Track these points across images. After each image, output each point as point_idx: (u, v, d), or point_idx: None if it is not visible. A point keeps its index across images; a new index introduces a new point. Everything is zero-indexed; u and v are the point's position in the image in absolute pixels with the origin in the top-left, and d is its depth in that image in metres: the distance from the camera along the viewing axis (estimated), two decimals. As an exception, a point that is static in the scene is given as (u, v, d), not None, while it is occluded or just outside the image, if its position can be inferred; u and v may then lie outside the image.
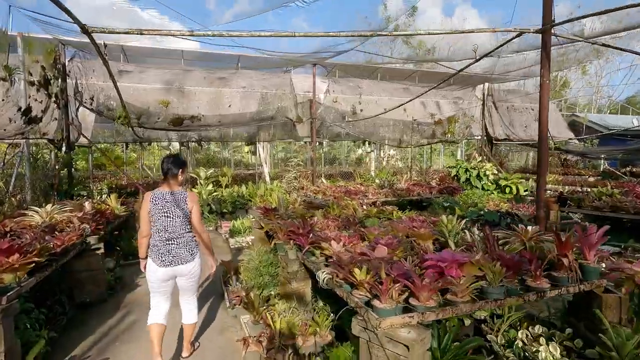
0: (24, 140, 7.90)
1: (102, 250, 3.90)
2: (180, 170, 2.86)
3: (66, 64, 7.98)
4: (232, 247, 6.24)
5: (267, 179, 11.53)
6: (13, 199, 6.97)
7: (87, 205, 5.09)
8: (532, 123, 11.21)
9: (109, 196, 5.52)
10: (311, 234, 3.20)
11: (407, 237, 3.06)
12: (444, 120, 11.93)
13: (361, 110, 11.10)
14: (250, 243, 6.27)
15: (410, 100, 8.10)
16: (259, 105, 10.75)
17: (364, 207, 5.06)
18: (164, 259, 2.71)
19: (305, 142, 11.81)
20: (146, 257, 2.82)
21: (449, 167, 11.99)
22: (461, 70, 5.78)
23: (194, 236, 2.91)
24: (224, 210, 9.13)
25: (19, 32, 6.24)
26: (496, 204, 8.47)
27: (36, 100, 6.28)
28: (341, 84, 11.49)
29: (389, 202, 7.31)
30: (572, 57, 8.94)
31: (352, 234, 3.19)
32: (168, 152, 22.65)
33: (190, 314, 2.98)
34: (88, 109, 8.40)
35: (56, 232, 3.68)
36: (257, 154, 12.90)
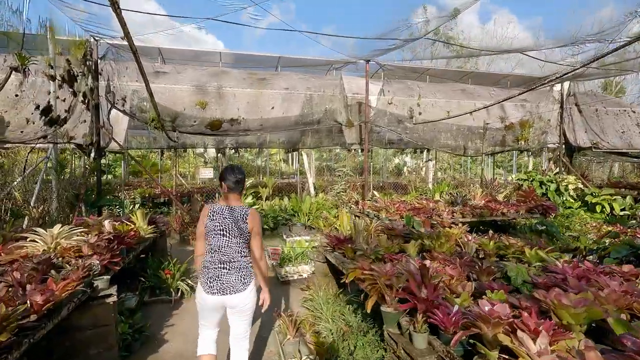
0: (52, 145, 7.18)
1: (114, 298, 2.73)
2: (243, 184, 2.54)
3: (98, 62, 7.22)
4: (281, 278, 4.97)
5: (312, 190, 10.31)
6: (34, 211, 6.13)
7: (107, 225, 4.03)
8: (632, 128, 9.26)
9: (135, 213, 4.44)
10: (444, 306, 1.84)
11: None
12: (516, 124, 10.22)
13: (420, 113, 9.67)
14: (305, 275, 4.98)
15: (496, 104, 6.58)
16: (303, 108, 9.61)
17: (470, 238, 3.62)
18: (212, 285, 2.33)
19: (351, 150, 10.48)
20: None
21: (518, 179, 10.25)
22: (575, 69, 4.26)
23: (250, 262, 2.47)
24: (265, 227, 7.96)
25: (43, 19, 5.43)
26: (596, 227, 6.73)
27: (58, 98, 5.41)
28: (395, 86, 10.14)
29: (466, 223, 5.82)
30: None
31: (527, 306, 1.79)
32: (203, 159, 22.15)
33: (244, 355, 2.48)
34: (120, 110, 7.59)
35: (51, 272, 2.56)
36: (298, 163, 11.77)
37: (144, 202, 11.39)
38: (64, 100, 5.58)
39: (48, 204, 6.56)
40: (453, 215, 6.36)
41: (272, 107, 9.07)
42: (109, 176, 18.01)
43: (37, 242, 3.29)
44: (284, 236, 7.42)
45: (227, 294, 2.31)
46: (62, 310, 2.20)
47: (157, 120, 7.41)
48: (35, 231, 3.41)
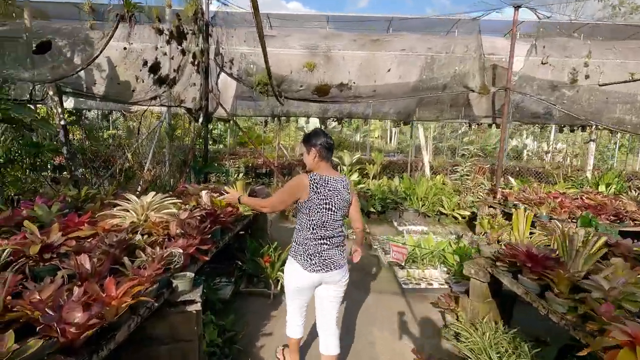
0: (166, 109, 7.21)
1: (197, 306, 1.96)
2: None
3: (209, 22, 6.86)
4: (404, 286, 3.83)
5: (427, 171, 8.80)
6: (147, 174, 6.14)
7: (204, 197, 3.42)
8: None
9: (234, 184, 3.77)
10: None
11: None
12: None
13: (587, 77, 7.18)
14: (435, 284, 3.75)
15: None
16: (422, 73, 8.01)
17: None
18: (314, 261, 2.14)
19: (480, 124, 8.52)
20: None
21: None
22: None
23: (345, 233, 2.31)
24: (371, 210, 6.89)
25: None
26: None
27: (166, 55, 5.05)
28: (551, 42, 7.71)
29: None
30: None
31: None
32: (302, 133, 22.01)
33: (335, 341, 2.33)
34: (227, 73, 7.21)
35: (124, 260, 1.87)
36: (411, 137, 10.28)
37: (247, 171, 11.44)
38: (172, 59, 5.23)
39: (160, 167, 6.60)
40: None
41: (388, 71, 7.73)
42: (220, 145, 19.18)
43: (126, 212, 2.76)
44: (395, 223, 6.25)
45: (329, 269, 2.17)
46: (117, 333, 1.42)
47: (264, 84, 6.82)
48: (128, 199, 2.90)
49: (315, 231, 2.14)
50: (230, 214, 3.23)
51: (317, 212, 2.12)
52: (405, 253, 3.95)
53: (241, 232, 4.18)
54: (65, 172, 5.56)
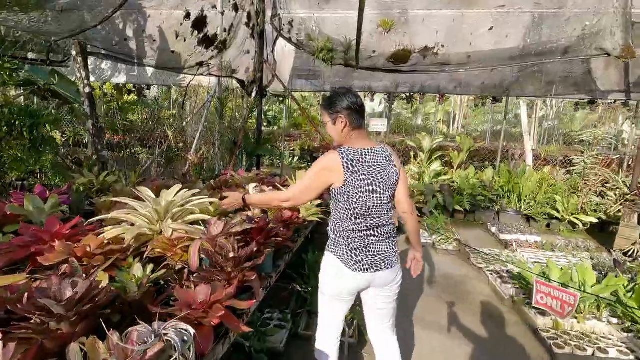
0: (216, 83, 6.34)
1: None
2: None
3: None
4: (556, 349, 2.41)
5: (530, 160, 7.05)
6: (193, 156, 5.33)
7: (253, 193, 2.36)
8: None
9: (294, 178, 2.66)
10: None
11: None
12: None
13: None
14: (610, 350, 2.33)
15: None
16: (526, 36, 6.22)
17: None
18: (359, 258, 1.67)
19: (613, 102, 6.53)
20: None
21: None
22: None
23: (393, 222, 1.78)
24: (457, 207, 5.48)
25: None
26: None
27: (214, 7, 4.03)
28: None
29: None
30: None
31: None
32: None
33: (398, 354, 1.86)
34: (285, 38, 6.10)
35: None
36: (505, 118, 8.43)
37: (302, 154, 10.47)
38: (222, 14, 4.22)
39: (207, 149, 5.80)
40: None
41: (483, 33, 6.08)
42: (274, 127, 18.52)
43: (136, 215, 1.78)
44: (493, 228, 4.80)
45: (380, 268, 1.68)
46: None
47: (327, 51, 5.63)
48: (143, 192, 1.92)
49: (358, 221, 1.68)
50: (290, 222, 2.13)
51: (359, 197, 1.65)
52: (573, 303, 2.44)
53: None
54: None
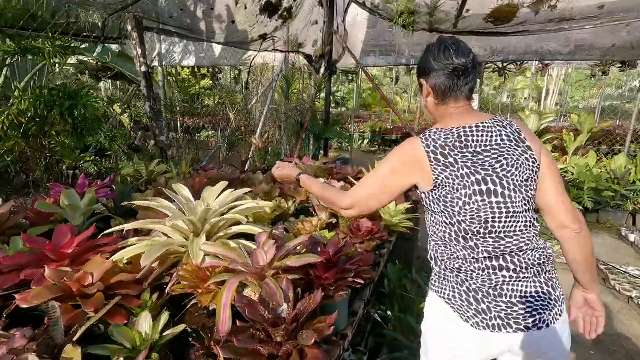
0: (282, 60, 5.86)
1: None
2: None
3: None
4: None
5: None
6: (257, 140, 4.96)
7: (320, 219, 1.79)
8: None
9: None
10: None
11: None
12: None
13: None
14: None
15: None
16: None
17: None
18: (485, 307, 1.01)
19: None
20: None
21: None
22: None
23: (546, 242, 1.09)
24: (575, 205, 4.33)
25: None
26: None
27: (278, -35, 3.46)
28: None
29: None
30: None
31: None
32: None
33: None
34: (358, 3, 5.35)
35: None
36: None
37: (373, 137, 9.69)
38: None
39: (272, 131, 5.40)
40: None
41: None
42: (342, 109, 17.86)
43: (169, 227, 1.31)
44: (631, 237, 3.61)
45: (527, 327, 0.98)
46: None
47: (409, 14, 4.75)
48: (173, 198, 1.46)
49: (472, 244, 1.03)
50: (370, 238, 1.50)
51: (465, 204, 1.00)
52: None
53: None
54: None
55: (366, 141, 9.76)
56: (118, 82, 7.28)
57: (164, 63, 5.94)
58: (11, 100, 1.99)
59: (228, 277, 1.03)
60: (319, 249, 1.11)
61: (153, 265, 1.19)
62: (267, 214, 1.85)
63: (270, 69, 6.10)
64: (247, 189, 1.59)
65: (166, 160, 3.16)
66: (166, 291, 1.09)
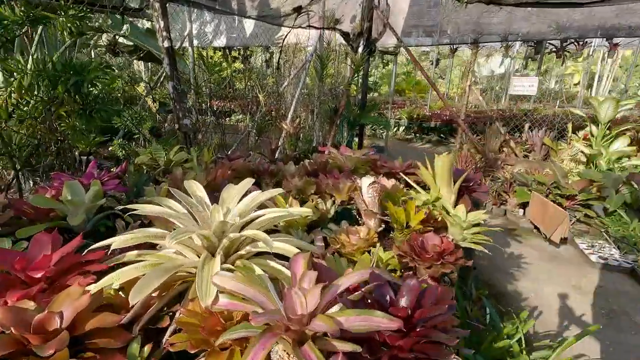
0: (317, 38, 5.42)
1: None
2: None
3: None
4: None
5: None
6: (287, 125, 4.61)
7: (367, 197, 1.40)
8: None
9: (435, 169, 1.59)
10: None
11: None
12: None
13: None
14: None
15: None
16: None
17: None
18: None
19: None
20: None
21: None
22: None
23: None
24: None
25: None
26: None
27: None
28: None
29: None
30: None
31: None
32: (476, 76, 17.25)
33: None
34: (404, -27, 4.81)
35: None
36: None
37: (409, 124, 9.08)
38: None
39: (305, 116, 5.02)
40: None
41: None
42: (374, 94, 17.12)
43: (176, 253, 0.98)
44: None
45: None
46: None
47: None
48: (179, 197, 1.13)
49: None
50: (442, 260, 1.12)
51: None
52: None
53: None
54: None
55: (402, 128, 9.17)
56: (149, 63, 7.12)
57: (195, 43, 5.68)
58: (14, 75, 1.73)
59: (250, 333, 0.69)
60: (388, 297, 0.74)
61: (153, 295, 0.87)
62: (300, 218, 1.50)
63: (303, 50, 5.68)
64: (279, 190, 1.24)
65: (189, 146, 2.88)
66: (162, 342, 0.77)
